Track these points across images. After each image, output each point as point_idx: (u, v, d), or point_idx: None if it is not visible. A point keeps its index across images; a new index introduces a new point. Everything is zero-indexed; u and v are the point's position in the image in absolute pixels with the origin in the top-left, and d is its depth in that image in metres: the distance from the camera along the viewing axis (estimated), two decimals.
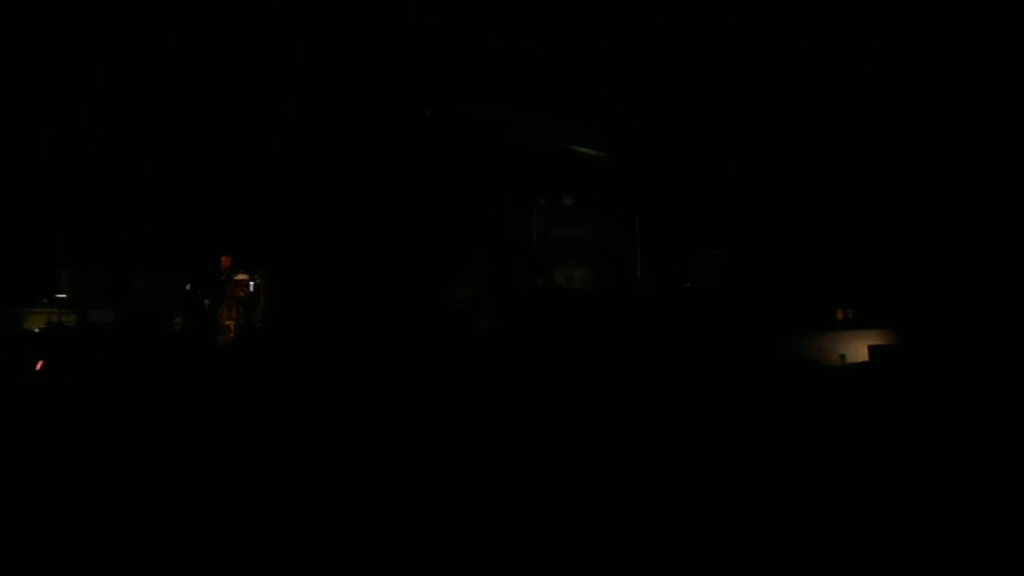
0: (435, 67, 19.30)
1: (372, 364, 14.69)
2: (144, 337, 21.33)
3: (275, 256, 20.45)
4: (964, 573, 4.72)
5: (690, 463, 8.23)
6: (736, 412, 12.11)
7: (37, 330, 22.09)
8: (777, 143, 25.86)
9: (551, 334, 16.40)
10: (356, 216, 17.69)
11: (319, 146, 17.85)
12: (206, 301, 20.29)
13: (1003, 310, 18.76)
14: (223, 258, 20.99)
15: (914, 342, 18.15)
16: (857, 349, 18.11)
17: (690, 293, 21.16)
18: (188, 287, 21.84)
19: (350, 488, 7.00)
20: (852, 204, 23.09)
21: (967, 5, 24.86)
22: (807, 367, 17.58)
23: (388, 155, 17.09)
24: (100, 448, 9.15)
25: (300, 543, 5.22)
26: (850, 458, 8.18)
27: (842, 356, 18.40)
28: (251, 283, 24.05)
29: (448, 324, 15.67)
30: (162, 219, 19.11)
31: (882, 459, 8.13)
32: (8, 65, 17.95)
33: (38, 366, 17.62)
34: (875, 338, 18.41)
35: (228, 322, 24.21)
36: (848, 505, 6.13)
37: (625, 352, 14.66)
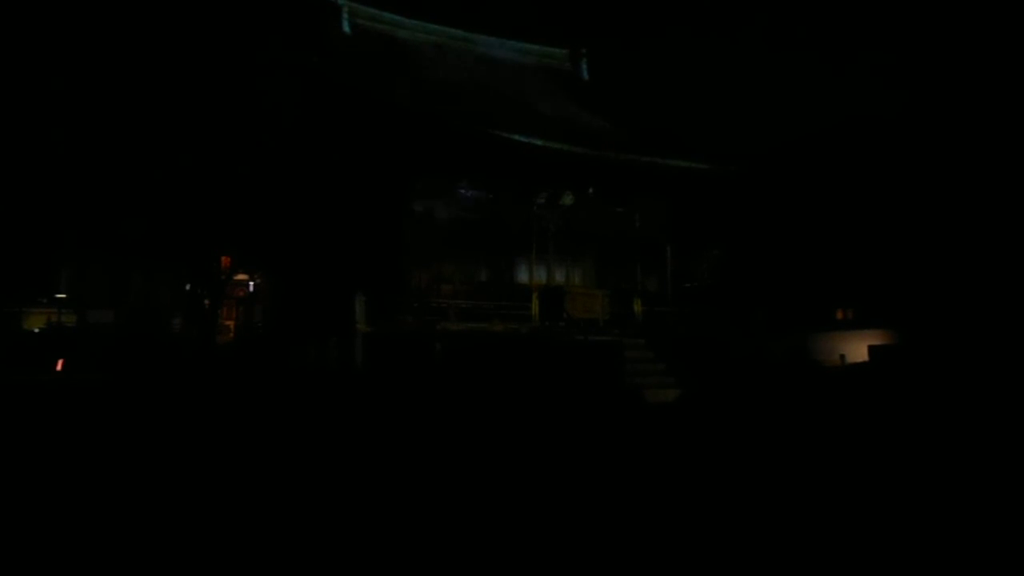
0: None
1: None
2: (144, 337, 21.31)
3: (275, 256, 20.42)
4: (964, 573, 4.72)
5: (689, 464, 8.23)
6: (736, 412, 12.11)
7: (36, 330, 22.09)
8: (777, 143, 25.87)
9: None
10: (355, 216, 17.68)
11: (318, 146, 17.83)
12: (206, 301, 20.25)
13: (1003, 310, 18.75)
14: (223, 258, 20.94)
15: (914, 342, 18.12)
16: (857, 349, 18.08)
17: (690, 293, 21.13)
18: (188, 287, 21.81)
19: (347, 488, 7.00)
20: (852, 204, 23.07)
21: (968, 6, 24.84)
22: (807, 367, 17.56)
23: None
24: (101, 447, 9.15)
25: (299, 542, 5.22)
26: (850, 458, 8.18)
27: (842, 356, 18.38)
28: (251, 283, 24.04)
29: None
30: (162, 219, 19.06)
31: (882, 459, 8.13)
32: (8, 64, 17.94)
33: (58, 366, 17.64)
34: (875, 338, 18.38)
35: (228, 322, 24.21)
36: (848, 505, 6.13)
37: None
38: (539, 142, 16.89)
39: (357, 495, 6.73)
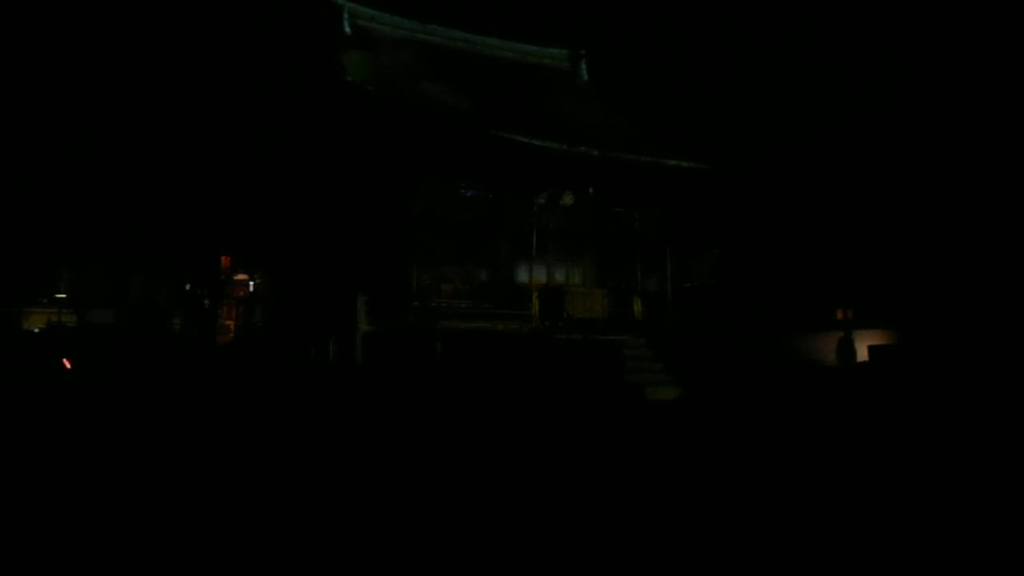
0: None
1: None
2: (144, 337, 21.33)
3: (275, 256, 20.44)
4: (964, 573, 4.73)
5: (687, 463, 8.24)
6: (735, 411, 12.11)
7: (36, 330, 22.11)
8: (778, 143, 25.90)
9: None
10: (355, 216, 17.69)
11: (318, 146, 17.86)
12: (206, 301, 20.27)
13: (1003, 310, 18.75)
14: (223, 258, 20.97)
15: (914, 342, 18.11)
16: (857, 349, 18.07)
17: (690, 293, 21.13)
18: (188, 287, 21.82)
19: (347, 487, 7.01)
20: (852, 204, 23.08)
21: (969, 6, 24.87)
22: (806, 366, 17.55)
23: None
24: (101, 448, 9.15)
25: (299, 542, 5.22)
26: (850, 458, 8.18)
27: None
28: (251, 283, 24.06)
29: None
30: (162, 219, 19.10)
31: (881, 458, 8.13)
32: (9, 66, 17.96)
33: (68, 366, 17.69)
34: (875, 338, 18.37)
35: (228, 322, 24.23)
36: (848, 506, 6.13)
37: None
38: (539, 142, 16.89)
39: (357, 494, 6.74)
